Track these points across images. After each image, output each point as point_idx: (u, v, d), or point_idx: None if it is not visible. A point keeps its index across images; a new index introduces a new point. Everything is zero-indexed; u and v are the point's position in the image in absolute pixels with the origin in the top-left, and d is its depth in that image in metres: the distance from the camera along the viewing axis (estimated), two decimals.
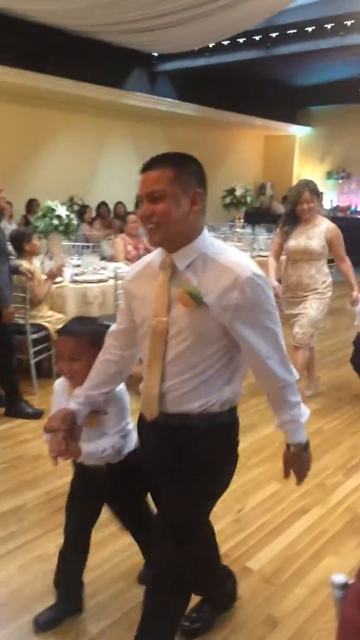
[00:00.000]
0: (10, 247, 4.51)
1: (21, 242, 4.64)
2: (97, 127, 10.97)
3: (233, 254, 1.65)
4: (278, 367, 1.68)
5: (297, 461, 1.80)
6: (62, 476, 3.30)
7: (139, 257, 6.65)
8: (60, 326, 4.73)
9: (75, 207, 9.42)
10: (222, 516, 2.96)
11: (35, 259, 4.90)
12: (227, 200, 9.31)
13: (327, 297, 4.32)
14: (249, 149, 14.69)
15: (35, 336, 4.57)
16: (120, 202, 10.32)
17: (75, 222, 5.67)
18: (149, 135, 11.92)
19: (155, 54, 10.38)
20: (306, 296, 4.29)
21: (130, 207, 10.53)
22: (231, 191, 9.29)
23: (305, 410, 1.77)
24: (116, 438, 2.01)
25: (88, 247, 7.48)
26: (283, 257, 4.52)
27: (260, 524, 2.93)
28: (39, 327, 4.64)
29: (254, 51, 9.52)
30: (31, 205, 9.20)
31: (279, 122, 13.45)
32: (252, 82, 11.69)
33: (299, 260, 4.27)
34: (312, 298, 4.27)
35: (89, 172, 10.87)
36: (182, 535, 1.75)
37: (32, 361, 4.53)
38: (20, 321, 4.44)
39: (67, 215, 5.55)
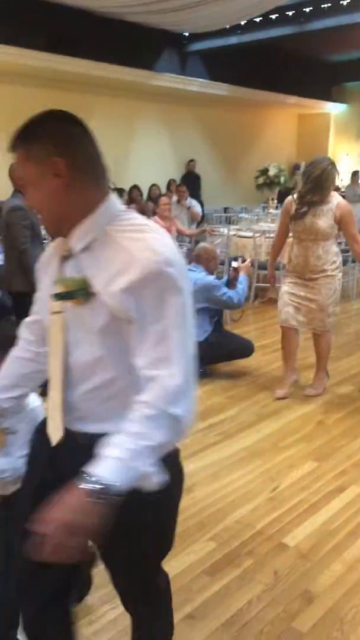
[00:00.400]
0: (43, 231, 4.56)
1: None
2: (128, 110, 10.95)
3: (141, 231, 1.28)
4: (160, 385, 1.19)
5: (69, 504, 1.12)
6: None
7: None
8: None
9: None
10: (256, 494, 2.98)
11: None
12: (260, 180, 9.21)
13: (337, 279, 4.02)
14: (282, 128, 14.46)
15: None
16: (154, 185, 10.32)
17: None
18: (180, 117, 11.85)
19: (186, 34, 10.27)
20: (315, 279, 3.97)
21: (164, 189, 10.53)
22: (264, 171, 9.19)
23: (153, 469, 1.18)
24: (19, 463, 1.61)
25: None
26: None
27: (296, 501, 2.92)
28: None
29: (287, 27, 9.33)
30: None
31: (313, 100, 13.19)
32: (285, 59, 11.46)
33: (304, 240, 3.94)
34: (321, 283, 3.96)
35: (120, 156, 10.87)
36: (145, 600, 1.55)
37: None
38: None
39: None
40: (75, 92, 9.92)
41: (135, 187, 10.02)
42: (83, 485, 1.12)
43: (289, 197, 4.11)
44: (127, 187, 9.96)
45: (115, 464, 1.14)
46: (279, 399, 4.13)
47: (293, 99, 12.61)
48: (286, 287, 4.13)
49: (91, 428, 1.33)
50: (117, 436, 1.17)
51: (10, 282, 4.11)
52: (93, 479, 1.12)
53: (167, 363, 1.21)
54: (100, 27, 8.71)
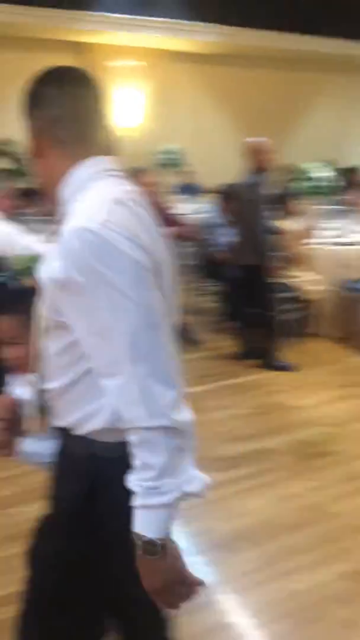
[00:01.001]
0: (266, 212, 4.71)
1: (282, 202, 4.84)
2: (355, 87, 10.55)
3: (82, 200, 1.07)
4: (121, 401, 1.01)
5: (145, 573, 1.05)
6: (313, 426, 3.45)
7: None
8: (313, 288, 4.87)
9: (335, 172, 9.21)
10: None
11: (292, 220, 5.04)
12: None
13: None
14: None
15: (289, 295, 4.72)
16: None
17: (332, 184, 5.62)
18: None
19: None
20: None
21: None
22: None
23: (182, 487, 1.02)
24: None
25: (346, 210, 7.33)
26: None
27: None
28: (292, 287, 4.78)
29: None
30: (290, 172, 9.27)
31: None
32: None
33: None
34: None
35: (349, 135, 10.53)
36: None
37: (286, 318, 4.67)
38: (276, 280, 4.62)
39: (324, 178, 5.54)
40: (306, 71, 9.85)
41: (353, 169, 9.56)
42: (139, 551, 1.04)
43: None
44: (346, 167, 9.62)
45: (143, 514, 1.02)
46: None
47: None
48: None
49: (61, 421, 1.21)
50: (130, 477, 1.03)
51: (242, 255, 4.34)
52: (140, 541, 1.03)
53: (114, 368, 1.01)
54: (330, 2, 8.50)
